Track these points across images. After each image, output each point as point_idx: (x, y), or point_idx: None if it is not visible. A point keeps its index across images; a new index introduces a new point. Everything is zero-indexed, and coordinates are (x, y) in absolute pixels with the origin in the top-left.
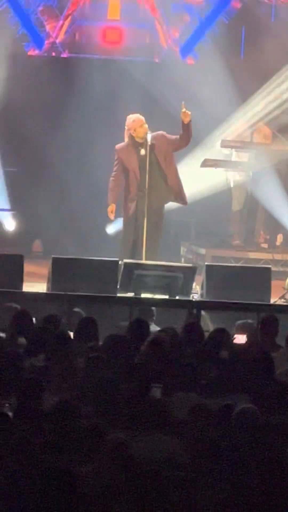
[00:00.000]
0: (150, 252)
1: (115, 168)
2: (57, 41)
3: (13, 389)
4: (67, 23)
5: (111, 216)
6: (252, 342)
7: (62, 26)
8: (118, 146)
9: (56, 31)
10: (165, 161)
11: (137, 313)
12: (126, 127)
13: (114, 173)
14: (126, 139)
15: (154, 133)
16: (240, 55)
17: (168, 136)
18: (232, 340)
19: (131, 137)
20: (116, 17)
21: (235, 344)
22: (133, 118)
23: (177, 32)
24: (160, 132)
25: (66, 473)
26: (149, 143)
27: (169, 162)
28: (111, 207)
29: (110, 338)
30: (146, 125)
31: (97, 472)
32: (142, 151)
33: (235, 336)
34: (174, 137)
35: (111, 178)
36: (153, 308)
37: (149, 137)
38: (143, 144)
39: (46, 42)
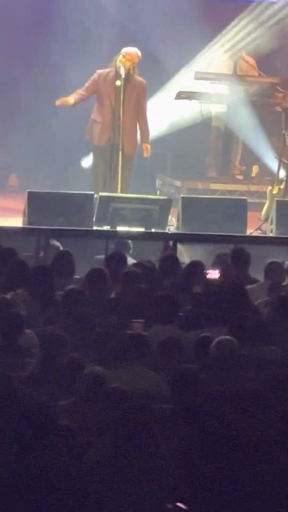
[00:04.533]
0: (124, 185)
1: (87, 85)
2: None
3: None
4: None
5: (60, 102)
6: (225, 274)
7: None
8: (100, 70)
9: None
10: (137, 105)
11: (113, 246)
12: (123, 54)
13: (85, 87)
14: (111, 67)
15: (140, 78)
16: None
17: (144, 95)
18: (206, 275)
19: (119, 67)
20: None
21: (208, 278)
22: (139, 54)
23: None
24: (145, 82)
25: (44, 406)
26: (123, 76)
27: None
28: (66, 99)
29: (88, 271)
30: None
31: (75, 405)
32: (118, 82)
33: (207, 271)
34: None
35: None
36: (129, 241)
37: (121, 70)
38: (121, 77)
39: None
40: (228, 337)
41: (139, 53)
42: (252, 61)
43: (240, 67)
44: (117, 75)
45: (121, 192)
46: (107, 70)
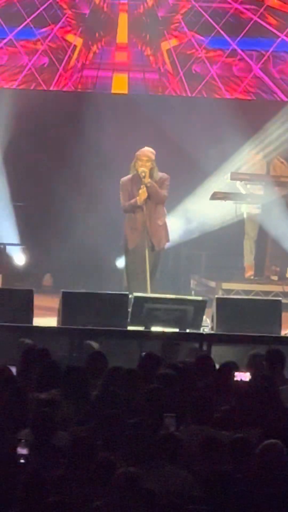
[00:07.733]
0: (152, 285)
1: (124, 196)
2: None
3: (26, 424)
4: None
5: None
6: (259, 375)
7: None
8: (123, 178)
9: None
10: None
11: (155, 347)
12: (140, 157)
13: (126, 198)
14: (131, 173)
15: (161, 174)
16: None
17: (163, 184)
18: (238, 376)
19: (134, 168)
20: (123, 91)
21: (241, 380)
22: (140, 150)
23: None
24: (166, 176)
25: (76, 506)
26: (144, 180)
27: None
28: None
29: (120, 371)
30: (144, 162)
31: (109, 506)
32: (143, 186)
33: (236, 374)
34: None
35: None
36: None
37: (143, 172)
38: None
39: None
40: (275, 440)
41: (152, 150)
42: (285, 162)
43: (273, 167)
44: (141, 180)
45: (152, 288)
46: (129, 176)
